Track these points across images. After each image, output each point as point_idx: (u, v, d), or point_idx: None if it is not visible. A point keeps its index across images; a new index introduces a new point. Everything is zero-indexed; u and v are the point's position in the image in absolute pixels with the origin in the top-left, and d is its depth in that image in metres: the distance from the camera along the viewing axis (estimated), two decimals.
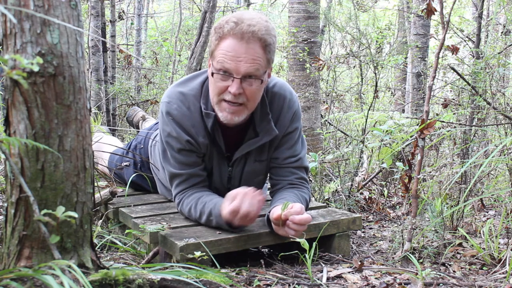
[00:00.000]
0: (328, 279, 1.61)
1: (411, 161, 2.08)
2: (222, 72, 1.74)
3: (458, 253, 2.07)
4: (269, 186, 2.16)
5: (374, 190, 3.46)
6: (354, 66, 5.13)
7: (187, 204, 1.90)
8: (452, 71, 3.16)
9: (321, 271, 1.68)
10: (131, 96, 5.45)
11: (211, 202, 1.83)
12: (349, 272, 1.68)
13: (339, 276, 1.65)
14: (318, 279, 1.59)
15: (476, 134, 3.27)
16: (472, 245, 2.07)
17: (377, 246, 2.30)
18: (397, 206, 3.12)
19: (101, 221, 2.16)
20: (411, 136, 2.86)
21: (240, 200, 1.70)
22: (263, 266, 1.73)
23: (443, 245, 2.05)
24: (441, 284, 1.55)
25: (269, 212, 1.81)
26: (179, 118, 1.87)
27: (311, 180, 3.02)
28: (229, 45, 1.71)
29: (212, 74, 1.77)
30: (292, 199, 1.86)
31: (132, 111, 3.86)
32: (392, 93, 6.16)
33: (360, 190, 3.24)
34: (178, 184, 1.94)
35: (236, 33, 1.69)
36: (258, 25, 1.71)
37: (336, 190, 2.99)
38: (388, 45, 6.42)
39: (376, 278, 1.63)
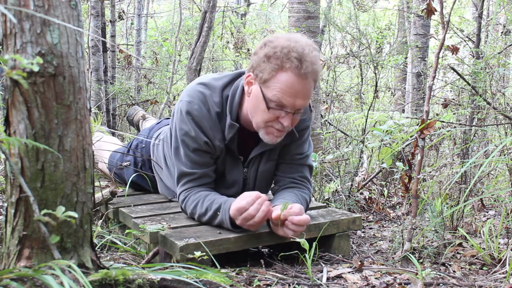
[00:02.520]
0: (328, 279, 1.61)
1: (411, 161, 2.08)
2: (277, 107, 1.76)
3: (458, 253, 2.07)
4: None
5: (374, 190, 3.46)
6: (354, 66, 5.13)
7: (193, 200, 1.89)
8: (452, 71, 3.15)
9: (321, 271, 1.68)
10: (131, 96, 5.45)
11: (221, 198, 1.84)
12: (349, 272, 1.68)
13: (339, 276, 1.65)
14: (318, 279, 1.59)
15: (476, 134, 3.27)
16: (472, 245, 2.07)
17: (377, 246, 2.30)
18: (397, 206, 3.12)
19: (101, 221, 2.16)
20: (411, 136, 2.86)
21: (249, 202, 1.71)
22: (263, 266, 1.73)
23: (443, 245, 2.05)
24: (441, 284, 1.55)
25: None
26: (199, 119, 1.87)
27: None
28: (289, 81, 1.71)
29: (267, 106, 1.76)
30: (292, 199, 1.87)
31: (132, 111, 3.86)
32: (392, 93, 6.16)
33: (360, 190, 3.23)
34: (186, 182, 1.94)
35: (299, 72, 1.70)
36: (316, 61, 1.74)
37: (336, 190, 2.99)
38: (388, 45, 6.42)
39: (376, 278, 1.63)
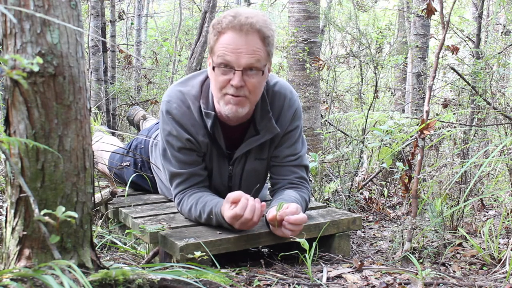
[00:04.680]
0: (328, 279, 1.61)
1: (411, 161, 2.08)
2: (223, 66, 1.75)
3: (458, 253, 2.07)
4: (269, 186, 2.16)
5: (374, 190, 3.46)
6: (354, 66, 5.13)
7: (187, 203, 1.90)
8: (452, 71, 3.16)
9: (321, 271, 1.68)
10: (131, 96, 5.45)
11: (212, 201, 1.83)
12: (349, 272, 1.68)
13: (339, 276, 1.65)
14: (318, 279, 1.59)
15: (476, 134, 3.27)
16: (472, 245, 2.07)
17: (377, 246, 2.30)
18: (397, 206, 3.12)
19: (101, 221, 2.16)
20: (411, 136, 2.86)
21: (242, 207, 1.70)
22: (263, 266, 1.73)
23: (443, 245, 2.05)
24: (441, 284, 1.55)
25: (266, 213, 1.81)
26: (179, 117, 1.87)
27: (311, 180, 3.02)
28: (228, 39, 1.73)
29: (213, 68, 1.77)
30: (290, 199, 1.86)
31: (133, 110, 3.86)
32: (392, 93, 6.16)
33: (360, 190, 3.23)
34: (179, 184, 1.94)
35: (234, 25, 1.71)
36: (256, 18, 1.73)
37: (336, 190, 2.99)
38: (388, 45, 6.42)
39: (376, 278, 1.63)
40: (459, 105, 3.34)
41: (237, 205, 1.71)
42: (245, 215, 1.69)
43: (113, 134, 3.68)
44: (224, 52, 1.73)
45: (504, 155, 2.74)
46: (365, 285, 1.56)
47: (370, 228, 2.65)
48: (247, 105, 1.82)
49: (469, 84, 2.92)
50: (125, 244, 1.97)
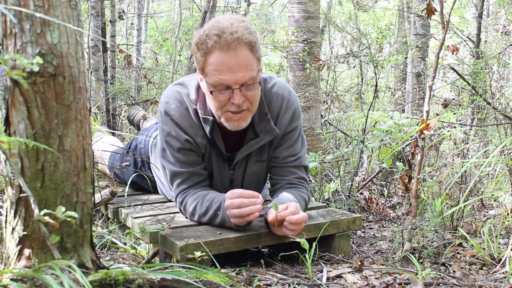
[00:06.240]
0: (328, 279, 1.61)
1: (411, 161, 2.08)
2: (220, 88, 1.73)
3: (458, 253, 2.07)
4: (269, 186, 2.16)
5: (374, 190, 3.46)
6: (354, 66, 5.13)
7: (191, 202, 1.89)
8: (452, 71, 3.16)
9: (321, 271, 1.68)
10: (131, 96, 5.45)
11: (220, 197, 1.83)
12: (349, 272, 1.68)
13: (339, 276, 1.65)
14: (318, 279, 1.59)
15: (476, 134, 3.27)
16: (472, 245, 2.07)
17: (377, 246, 2.30)
18: (397, 206, 3.12)
19: (101, 221, 2.16)
20: (411, 136, 2.86)
21: (242, 193, 1.75)
22: (263, 266, 1.73)
23: (443, 245, 2.05)
24: (441, 284, 1.55)
25: (265, 214, 1.81)
26: (177, 118, 1.87)
27: (311, 180, 3.02)
28: (218, 59, 1.69)
29: (211, 92, 1.75)
30: (289, 198, 1.86)
31: (133, 110, 3.86)
32: (392, 93, 6.16)
33: (360, 190, 3.23)
34: (180, 184, 1.94)
35: (222, 46, 1.67)
36: (240, 30, 1.68)
37: (336, 190, 2.99)
38: (388, 45, 6.42)
39: (376, 278, 1.63)
40: (459, 105, 3.34)
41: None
42: (242, 200, 1.73)
43: (113, 134, 3.68)
44: (217, 74, 1.70)
45: (504, 155, 2.74)
46: (365, 285, 1.56)
47: (370, 228, 2.65)
48: (249, 117, 1.82)
49: (469, 84, 2.92)
50: (125, 244, 1.97)
